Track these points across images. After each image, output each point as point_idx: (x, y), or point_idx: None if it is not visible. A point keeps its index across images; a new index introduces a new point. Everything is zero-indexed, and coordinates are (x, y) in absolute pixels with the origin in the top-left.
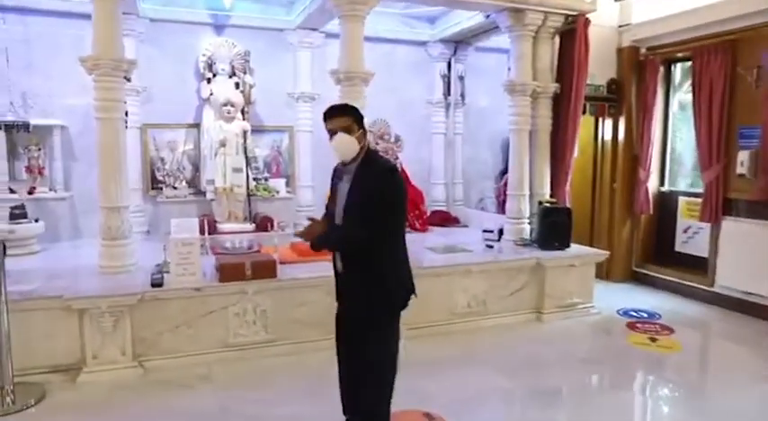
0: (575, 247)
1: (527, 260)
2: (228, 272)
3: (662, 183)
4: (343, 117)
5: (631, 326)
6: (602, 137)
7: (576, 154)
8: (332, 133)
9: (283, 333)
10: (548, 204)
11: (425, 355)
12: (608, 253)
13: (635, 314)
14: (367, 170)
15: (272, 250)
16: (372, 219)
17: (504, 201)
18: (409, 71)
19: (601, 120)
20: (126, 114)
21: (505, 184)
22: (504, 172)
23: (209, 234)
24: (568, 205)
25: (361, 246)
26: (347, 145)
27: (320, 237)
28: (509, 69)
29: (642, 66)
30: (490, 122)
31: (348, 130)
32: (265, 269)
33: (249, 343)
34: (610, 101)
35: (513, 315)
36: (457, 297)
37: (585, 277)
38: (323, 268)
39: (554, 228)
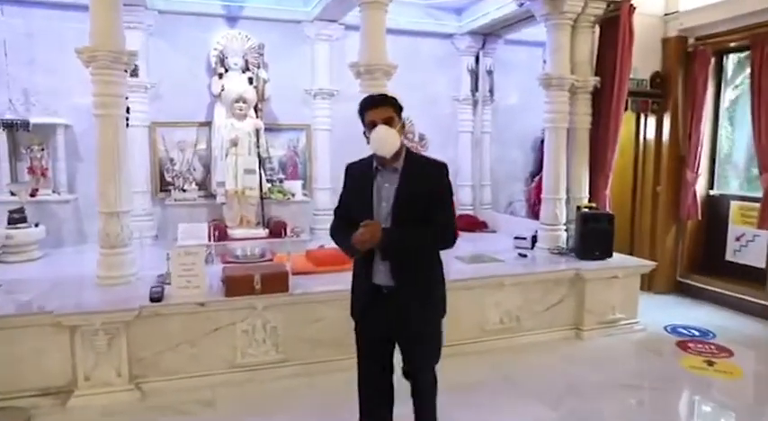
0: (617, 257)
1: (565, 271)
2: (235, 285)
3: (711, 186)
4: (384, 108)
5: (683, 345)
6: (645, 135)
7: (617, 154)
8: (371, 125)
9: (296, 352)
10: (587, 210)
11: (456, 379)
12: (655, 263)
13: (685, 331)
14: (419, 165)
15: (286, 258)
16: (449, 213)
17: (536, 205)
18: (434, 66)
19: (643, 117)
20: (128, 111)
21: (536, 187)
22: (535, 173)
23: (220, 240)
24: (609, 210)
25: (447, 243)
26: (390, 138)
27: (388, 240)
28: (544, 62)
29: (691, 57)
30: (520, 120)
31: (390, 122)
32: (276, 282)
33: (258, 363)
34: (653, 96)
35: (550, 332)
36: (488, 312)
37: (629, 290)
38: (339, 280)
39: (595, 236)
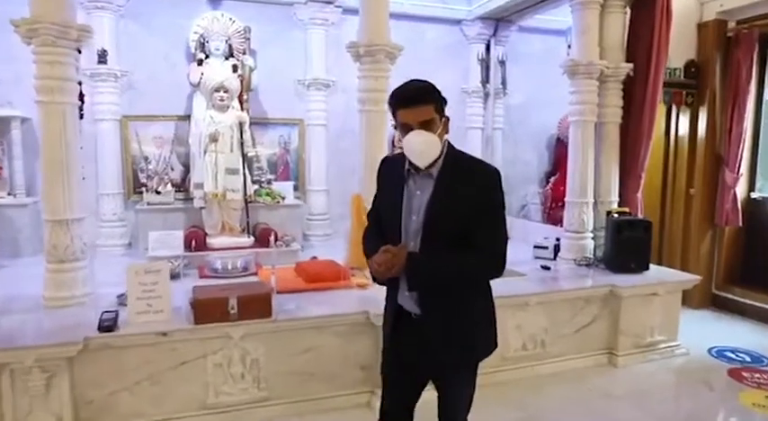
0: (654, 270)
1: (599, 288)
2: (205, 310)
3: (752, 189)
4: (423, 106)
5: (736, 375)
6: (677, 131)
7: (650, 152)
8: (405, 127)
9: (281, 389)
10: (619, 215)
11: (476, 418)
12: (699, 277)
13: (733, 356)
14: (462, 170)
15: (271, 273)
16: (498, 236)
17: (551, 209)
18: (441, 54)
19: (674, 110)
20: (81, 99)
21: (552, 189)
22: (551, 174)
23: (198, 250)
24: (641, 215)
25: (492, 274)
26: (427, 147)
27: (414, 271)
28: (569, 47)
29: (732, 43)
30: (535, 116)
31: (428, 126)
32: (256, 306)
33: (236, 403)
34: (687, 87)
35: (580, 358)
36: (509, 336)
37: (670, 308)
38: (334, 300)
39: (630, 246)
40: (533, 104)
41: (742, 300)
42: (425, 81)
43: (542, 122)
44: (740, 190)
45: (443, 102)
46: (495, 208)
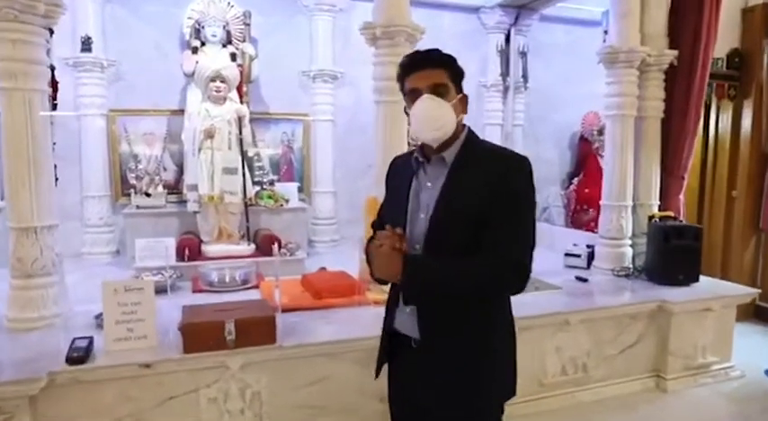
0: (705, 281)
1: (647, 303)
2: (197, 337)
3: None
4: (432, 70)
5: None
6: (717, 127)
7: (695, 151)
8: (412, 96)
9: None
10: (663, 220)
11: None
12: (758, 291)
13: None
14: (481, 158)
15: (275, 287)
16: (521, 240)
17: (576, 212)
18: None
19: (715, 104)
20: (54, 87)
21: (576, 191)
22: (574, 175)
23: (191, 259)
24: (683, 219)
25: (510, 288)
26: (438, 114)
27: (411, 275)
28: (605, 33)
29: None
30: (557, 113)
31: (441, 91)
32: (258, 330)
33: None
34: (730, 79)
35: (624, 382)
36: (547, 360)
37: (724, 325)
38: (349, 319)
39: (678, 255)
40: (555, 100)
41: None
42: (438, 49)
43: (565, 119)
44: None
45: (460, 73)
46: (515, 200)
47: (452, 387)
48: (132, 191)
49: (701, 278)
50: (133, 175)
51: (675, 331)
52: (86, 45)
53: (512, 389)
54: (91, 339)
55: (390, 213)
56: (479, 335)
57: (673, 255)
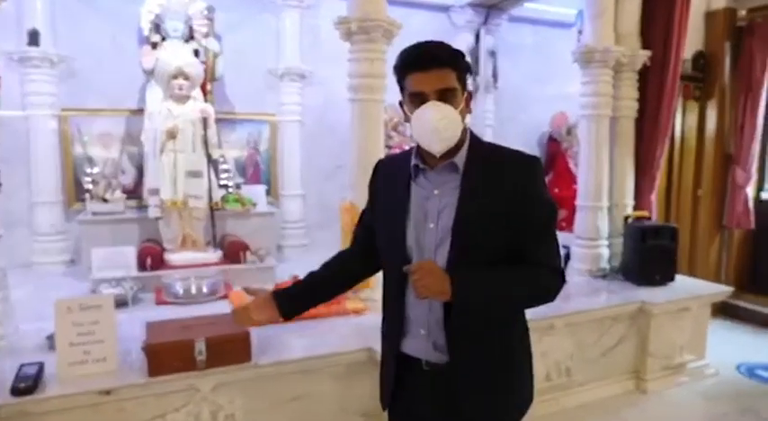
0: (680, 281)
1: (628, 304)
2: (163, 358)
3: (760, 189)
4: (443, 70)
5: None
6: (683, 127)
7: (666, 150)
8: (416, 100)
9: None
10: (639, 220)
11: None
12: (731, 289)
13: (766, 374)
14: (493, 160)
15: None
16: (552, 246)
17: None
18: None
19: (680, 105)
20: None
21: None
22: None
23: (154, 269)
24: (653, 218)
25: (550, 297)
26: (449, 123)
27: (465, 293)
28: (580, 33)
29: (745, 32)
30: (525, 113)
31: (449, 96)
32: (231, 348)
33: None
34: (695, 80)
35: (605, 384)
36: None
37: (699, 324)
38: (324, 331)
39: (655, 256)
40: (524, 100)
41: (754, 307)
42: (443, 43)
43: (533, 119)
44: (749, 190)
45: (468, 70)
46: (540, 204)
47: (479, 408)
48: (88, 196)
49: (678, 277)
50: (89, 180)
51: (655, 331)
52: (33, 38)
53: (532, 395)
54: (41, 365)
55: (385, 223)
56: (506, 351)
57: (649, 255)
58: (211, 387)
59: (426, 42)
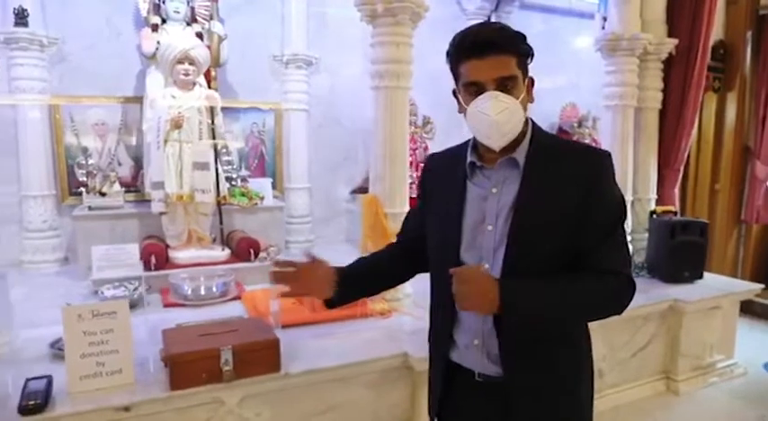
0: (709, 278)
1: (659, 303)
2: (187, 371)
3: None
4: (502, 56)
5: None
6: (701, 119)
7: (691, 143)
8: (472, 90)
9: None
10: (665, 215)
11: None
12: (761, 286)
13: None
14: (558, 155)
15: (260, 299)
16: (622, 251)
17: None
18: (437, 32)
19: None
20: None
21: None
22: None
23: (158, 268)
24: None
25: (620, 307)
26: (510, 116)
27: (517, 306)
28: (604, 19)
29: (767, 22)
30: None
31: (509, 85)
32: (259, 358)
33: None
34: (714, 70)
35: (637, 386)
36: None
37: (729, 322)
38: (353, 335)
39: (685, 252)
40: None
41: None
42: (503, 26)
43: (543, 110)
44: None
45: (530, 54)
46: (609, 204)
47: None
48: (84, 190)
49: (706, 275)
50: (82, 172)
51: (686, 330)
52: (21, 18)
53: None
54: (49, 379)
55: (438, 225)
56: (569, 369)
57: (679, 252)
58: (238, 400)
59: (482, 24)
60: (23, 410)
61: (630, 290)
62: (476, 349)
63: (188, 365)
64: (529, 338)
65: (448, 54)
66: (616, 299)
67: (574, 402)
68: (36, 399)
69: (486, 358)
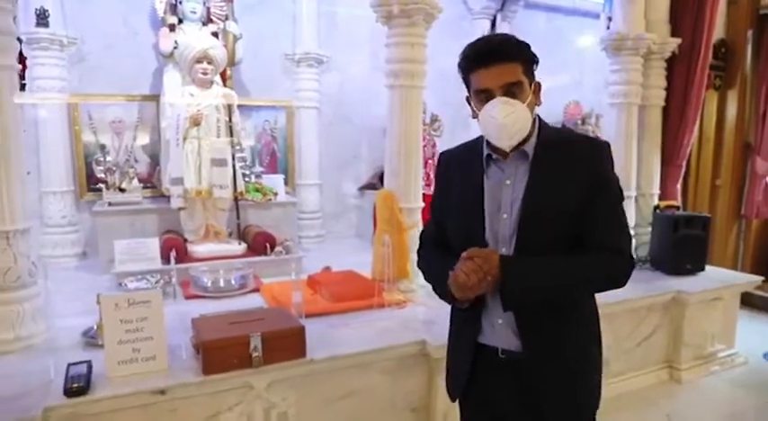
0: (710, 270)
1: (663, 294)
2: (219, 356)
3: None
4: (508, 64)
5: None
6: (702, 116)
7: (694, 139)
8: (483, 95)
9: None
10: (668, 210)
11: None
12: (761, 278)
13: None
14: (562, 146)
15: (279, 291)
16: (621, 232)
17: None
18: (443, 31)
19: None
20: (23, 64)
21: None
22: None
23: (178, 262)
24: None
25: (618, 282)
26: (516, 119)
27: (516, 280)
28: (609, 19)
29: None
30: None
31: (515, 90)
32: (286, 344)
33: None
34: (715, 69)
35: (641, 374)
36: None
37: (730, 313)
38: (369, 324)
39: (687, 245)
40: None
41: None
42: (510, 36)
43: (546, 108)
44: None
45: (534, 61)
46: (608, 187)
47: (557, 403)
48: (104, 186)
49: (708, 267)
50: (101, 168)
51: (689, 321)
52: (42, 19)
53: (600, 396)
54: (89, 364)
55: (461, 218)
56: (582, 343)
57: (681, 245)
58: (266, 384)
59: (488, 37)
60: (68, 392)
61: (624, 263)
62: (500, 327)
63: (219, 351)
64: (543, 315)
65: (459, 65)
66: (610, 272)
67: (586, 381)
68: (79, 382)
69: (511, 332)
